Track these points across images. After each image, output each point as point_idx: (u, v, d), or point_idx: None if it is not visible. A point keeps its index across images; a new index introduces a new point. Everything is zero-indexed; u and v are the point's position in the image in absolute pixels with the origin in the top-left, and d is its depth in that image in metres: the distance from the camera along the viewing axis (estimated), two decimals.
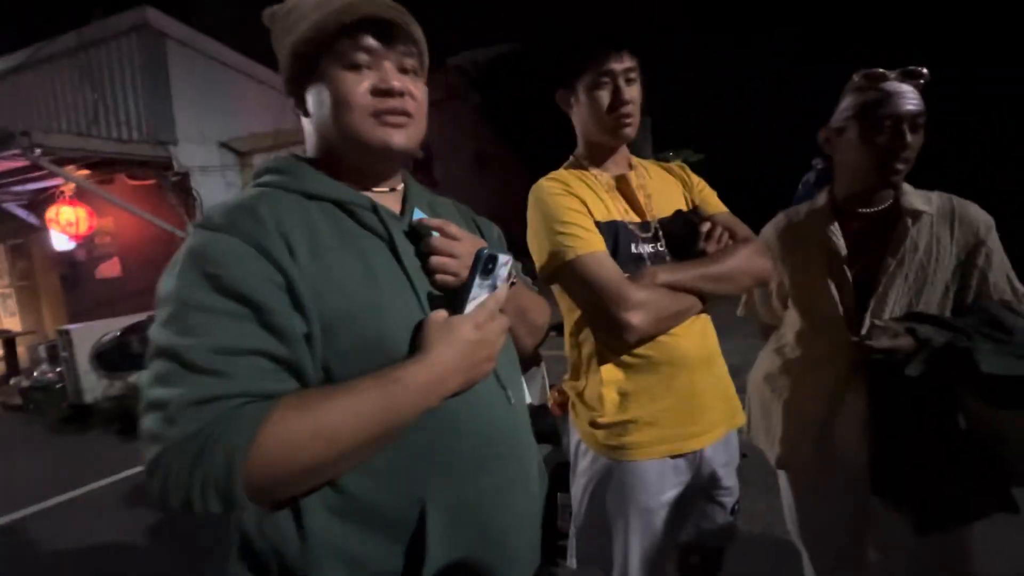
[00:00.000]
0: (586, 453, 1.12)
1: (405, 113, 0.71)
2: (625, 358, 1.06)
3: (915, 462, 1.02)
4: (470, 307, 0.67)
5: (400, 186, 0.80)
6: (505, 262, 0.69)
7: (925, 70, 1.06)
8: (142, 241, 5.85)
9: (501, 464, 0.71)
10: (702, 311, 1.09)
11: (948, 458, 1.01)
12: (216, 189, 5.74)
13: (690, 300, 1.03)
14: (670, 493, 1.08)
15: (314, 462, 0.57)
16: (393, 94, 0.69)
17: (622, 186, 1.14)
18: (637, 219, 1.12)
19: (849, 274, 1.12)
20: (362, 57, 0.68)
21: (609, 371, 1.08)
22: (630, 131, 1.10)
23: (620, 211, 1.11)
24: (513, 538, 0.72)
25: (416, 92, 0.72)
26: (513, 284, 0.80)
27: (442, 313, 0.67)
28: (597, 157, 1.17)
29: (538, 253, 1.10)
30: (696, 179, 1.23)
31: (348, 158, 0.72)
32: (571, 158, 1.22)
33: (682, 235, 1.10)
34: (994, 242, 1.07)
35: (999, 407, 0.97)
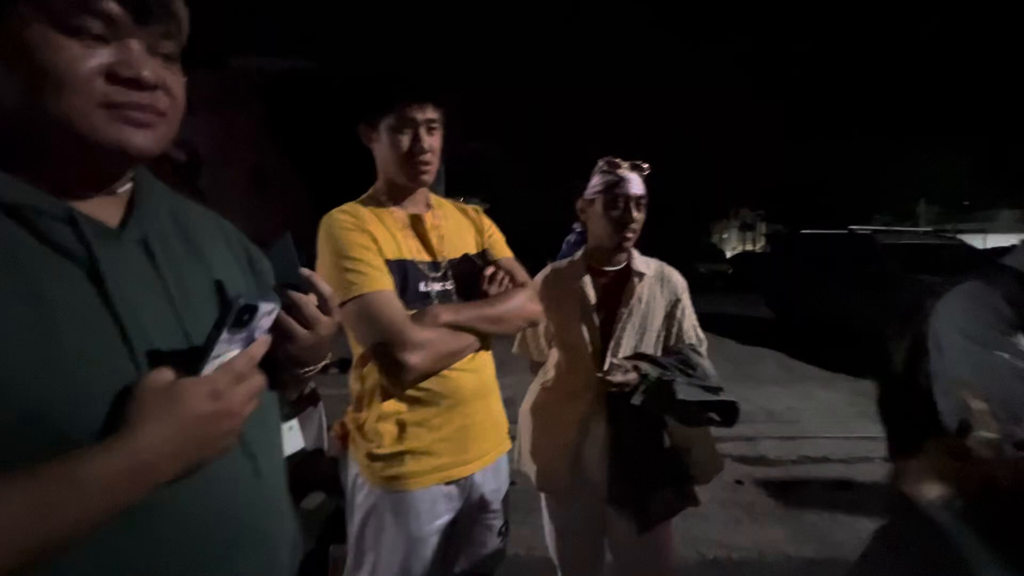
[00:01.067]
0: (362, 487, 1.12)
1: (155, 111, 0.53)
2: (406, 392, 1.10)
3: (636, 475, 1.28)
4: (210, 367, 0.52)
5: (127, 187, 0.59)
6: (268, 311, 0.56)
7: (646, 165, 1.41)
8: None
9: (242, 558, 0.57)
10: (482, 348, 1.18)
11: (657, 469, 1.30)
12: None
13: (469, 339, 1.11)
14: (443, 519, 1.13)
15: None
16: (142, 86, 0.52)
17: (416, 226, 1.19)
18: (428, 258, 1.17)
19: (596, 320, 1.37)
20: (95, 24, 0.49)
21: (390, 404, 1.10)
22: (427, 178, 1.17)
23: (411, 250, 1.15)
24: None
25: (173, 85, 0.56)
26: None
27: (164, 375, 0.50)
28: (395, 195, 1.19)
29: None
30: (487, 223, 1.35)
31: (50, 149, 0.51)
32: (368, 192, 1.23)
33: (468, 277, 1.20)
34: (687, 299, 1.44)
35: (688, 425, 1.30)
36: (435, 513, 1.11)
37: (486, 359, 1.22)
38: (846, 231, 7.68)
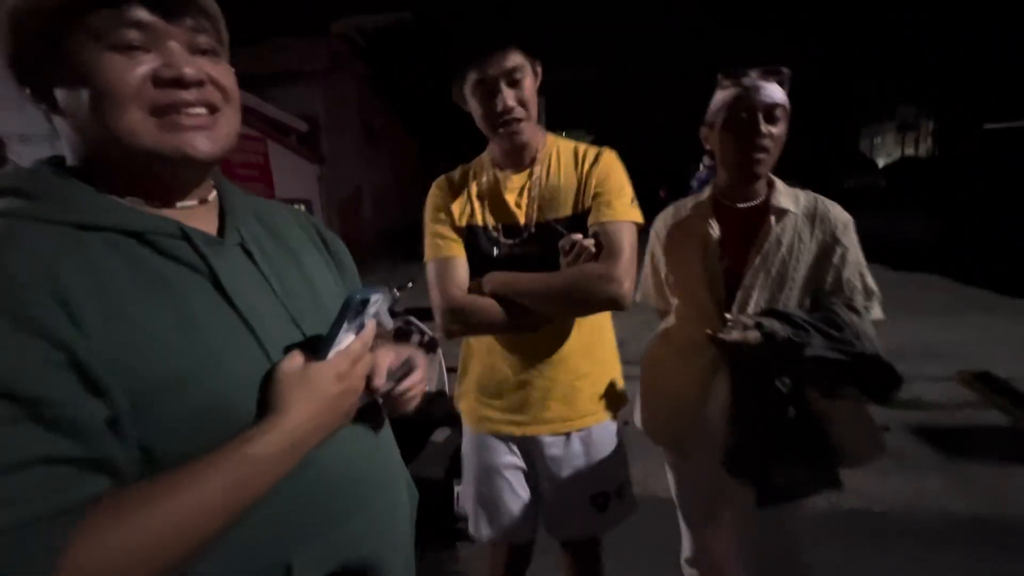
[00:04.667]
0: (466, 430, 1.28)
1: (208, 105, 0.55)
2: (482, 348, 1.20)
3: (756, 444, 1.13)
4: (332, 352, 0.58)
5: (212, 195, 0.63)
6: (376, 300, 0.61)
7: (785, 69, 1.10)
8: None
9: (368, 500, 0.65)
10: (549, 323, 1.10)
11: (787, 442, 1.11)
12: None
13: (512, 313, 1.07)
14: (510, 460, 1.22)
15: None
16: (186, 84, 0.53)
17: (499, 190, 1.15)
18: (508, 222, 1.14)
19: (720, 267, 1.17)
20: (132, 34, 0.51)
21: (470, 357, 1.25)
22: (520, 137, 1.08)
23: (484, 216, 1.16)
24: (387, 563, 0.67)
25: (221, 77, 0.57)
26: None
27: (296, 360, 0.56)
28: (502, 153, 1.16)
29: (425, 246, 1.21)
30: (600, 176, 1.11)
31: (130, 169, 0.54)
32: (485, 153, 1.24)
33: (548, 245, 1.08)
34: (850, 241, 1.12)
35: (826, 396, 1.08)
36: (503, 452, 1.22)
37: (559, 328, 1.13)
38: None
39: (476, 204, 1.17)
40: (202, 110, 0.55)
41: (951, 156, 8.90)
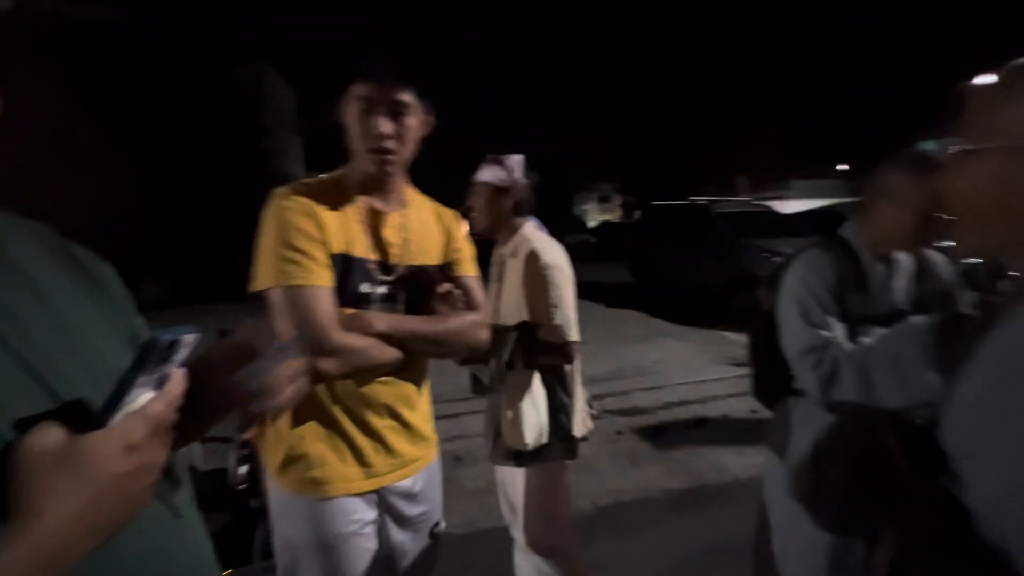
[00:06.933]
0: (279, 492, 1.07)
1: None
2: (327, 394, 1.04)
3: None
4: (120, 416, 0.43)
5: None
6: (189, 343, 0.48)
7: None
8: None
9: None
10: (411, 363, 1.09)
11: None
12: None
13: (394, 353, 1.04)
14: (365, 518, 1.09)
15: None
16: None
17: (375, 222, 1.09)
18: (380, 258, 1.08)
19: None
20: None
21: (304, 408, 1.03)
22: (389, 168, 1.05)
23: (364, 247, 1.07)
24: None
25: None
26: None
27: (51, 435, 0.40)
28: (364, 182, 1.08)
29: (260, 266, 1.02)
30: (460, 235, 1.25)
31: None
32: (339, 172, 1.11)
33: (422, 288, 1.12)
34: (533, 272, 1.48)
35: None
36: (356, 513, 1.08)
37: (415, 372, 1.14)
38: (688, 202, 8.74)
39: (355, 232, 1.06)
40: None
41: (632, 223, 11.97)
